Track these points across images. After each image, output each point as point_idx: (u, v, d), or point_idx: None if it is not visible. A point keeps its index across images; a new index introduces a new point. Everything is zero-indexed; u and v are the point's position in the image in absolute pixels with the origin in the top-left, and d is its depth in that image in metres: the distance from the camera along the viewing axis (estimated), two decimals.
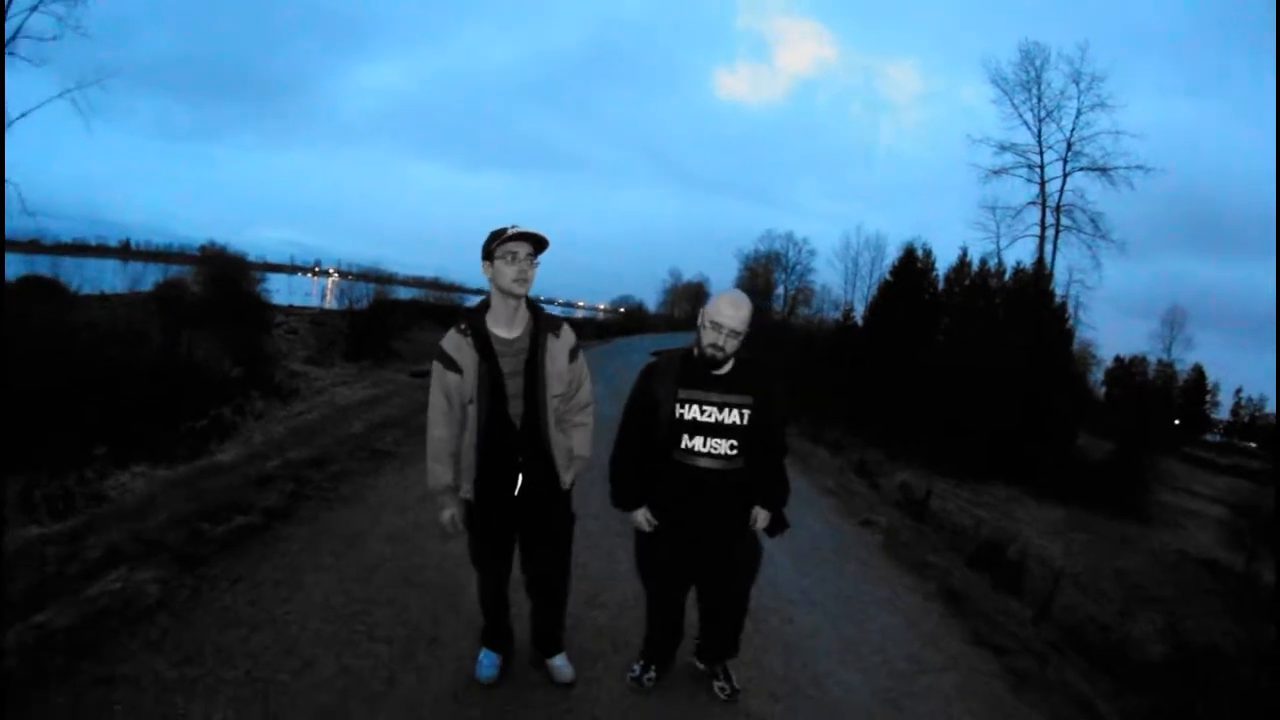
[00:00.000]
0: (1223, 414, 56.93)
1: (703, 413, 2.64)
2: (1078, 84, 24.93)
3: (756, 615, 3.45)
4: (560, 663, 2.90)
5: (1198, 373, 52.02)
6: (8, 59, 18.37)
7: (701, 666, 3.11)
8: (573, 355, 2.63)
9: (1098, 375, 43.22)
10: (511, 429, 2.53)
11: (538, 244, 2.46)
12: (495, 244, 2.41)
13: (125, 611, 3.05)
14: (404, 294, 33.20)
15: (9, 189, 18.25)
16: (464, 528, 2.66)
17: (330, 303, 36.93)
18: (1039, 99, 25.32)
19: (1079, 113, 24.96)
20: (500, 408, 2.51)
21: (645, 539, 2.85)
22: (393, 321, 23.50)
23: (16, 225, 19.46)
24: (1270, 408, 53.30)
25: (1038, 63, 25.64)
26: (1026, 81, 25.69)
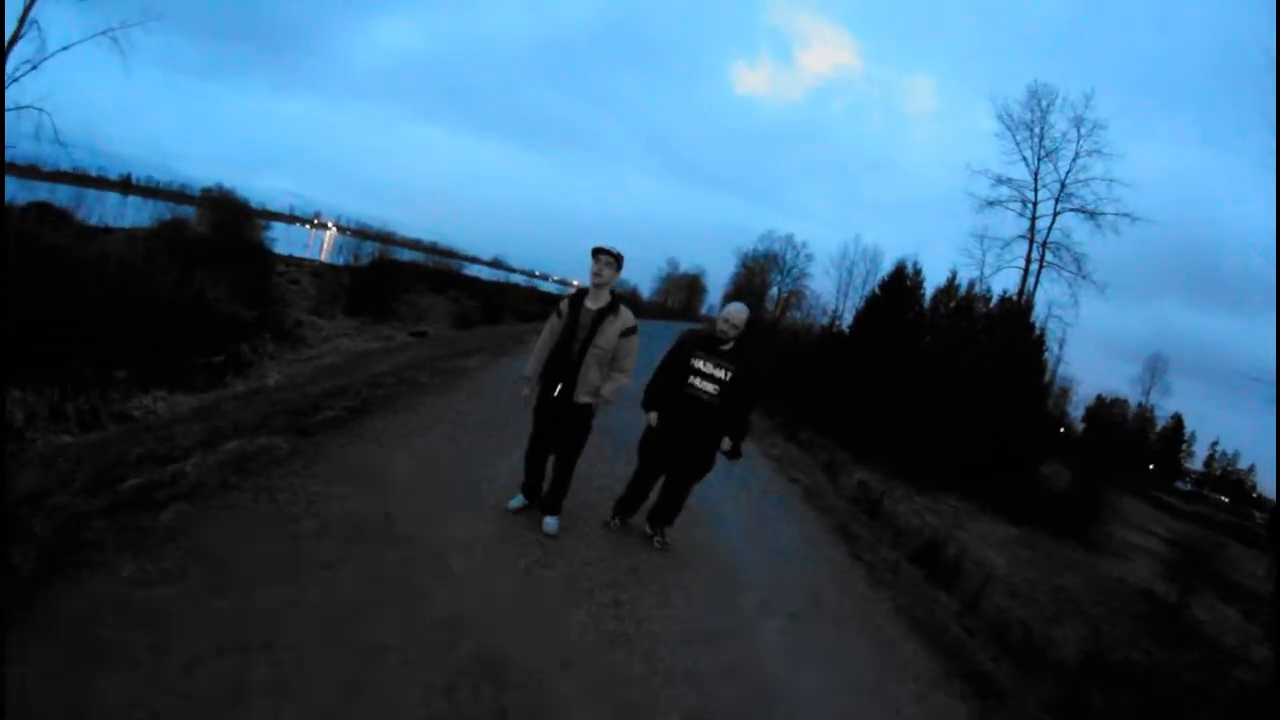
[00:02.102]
0: (1197, 464, 59.21)
1: (704, 365, 4.52)
2: (1079, 129, 26.63)
3: (693, 509, 5.23)
4: (550, 521, 4.50)
5: (1176, 421, 54.26)
6: None
7: (648, 530, 4.90)
8: (625, 334, 4.28)
9: (1078, 410, 45.05)
10: (569, 358, 4.24)
11: (614, 254, 4.27)
12: (592, 253, 4.29)
13: (265, 458, 4.56)
14: (402, 255, 34.47)
15: (42, 118, 19.49)
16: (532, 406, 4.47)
17: (327, 256, 38.16)
18: (1040, 139, 27.02)
19: (1076, 156, 26.70)
20: (568, 344, 4.25)
21: (650, 433, 4.74)
22: (397, 282, 24.95)
23: (47, 154, 20.61)
24: (1242, 464, 55.73)
25: (1044, 103, 27.32)
26: (1030, 120, 27.36)
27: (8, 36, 18.49)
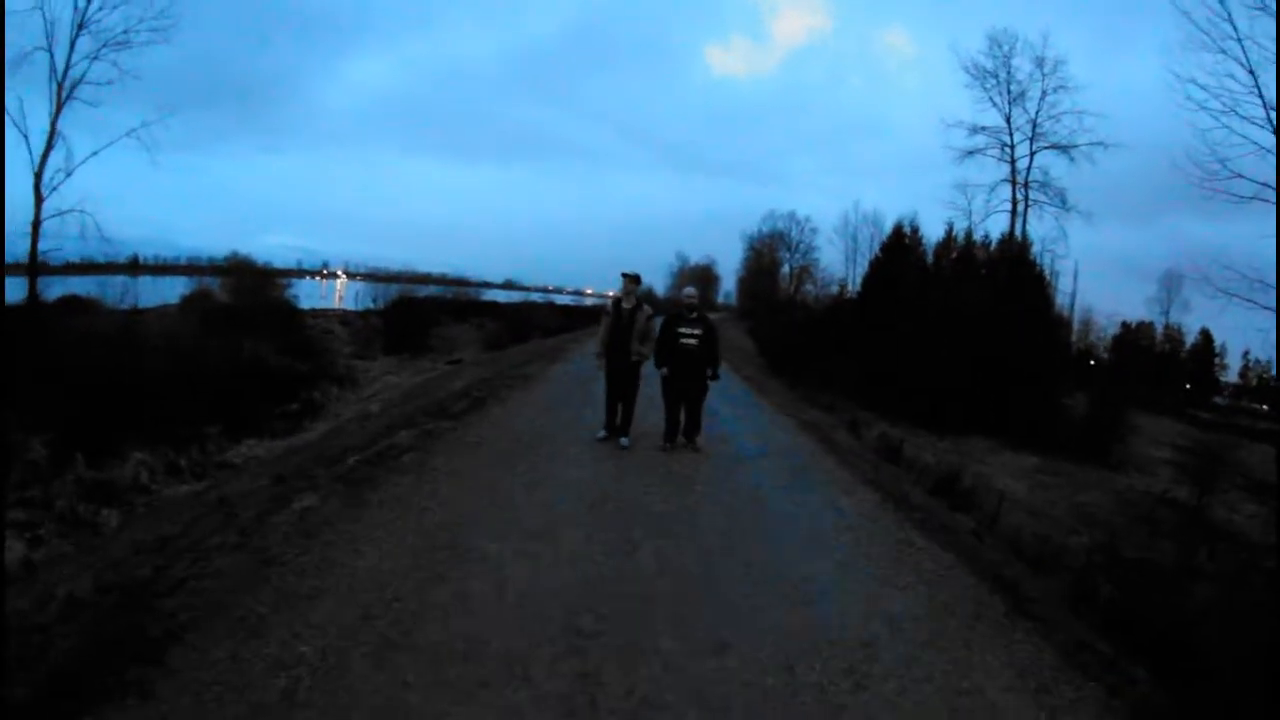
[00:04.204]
0: (1233, 376, 59.60)
1: (685, 329, 7.52)
2: (1041, 69, 28.88)
3: (715, 430, 8.20)
4: (625, 439, 7.61)
5: (1205, 336, 54.85)
6: (71, 104, 22.25)
7: (684, 441, 7.71)
8: (649, 319, 7.58)
9: (1104, 341, 46.46)
10: (620, 337, 7.40)
11: (634, 276, 7.67)
12: (621, 275, 7.76)
13: (439, 430, 7.41)
14: (420, 291, 37.04)
15: (85, 219, 22.24)
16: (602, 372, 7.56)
17: (345, 303, 41.20)
18: (1007, 84, 29.28)
19: (1043, 95, 28.90)
20: (617, 328, 7.52)
21: (665, 381, 7.54)
22: (425, 317, 27.87)
23: (94, 250, 23.46)
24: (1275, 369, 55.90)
25: (1005, 49, 29.49)
26: (994, 68, 29.58)
27: (40, 150, 21.12)
